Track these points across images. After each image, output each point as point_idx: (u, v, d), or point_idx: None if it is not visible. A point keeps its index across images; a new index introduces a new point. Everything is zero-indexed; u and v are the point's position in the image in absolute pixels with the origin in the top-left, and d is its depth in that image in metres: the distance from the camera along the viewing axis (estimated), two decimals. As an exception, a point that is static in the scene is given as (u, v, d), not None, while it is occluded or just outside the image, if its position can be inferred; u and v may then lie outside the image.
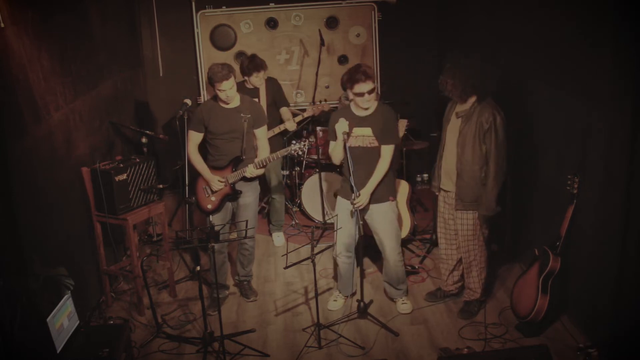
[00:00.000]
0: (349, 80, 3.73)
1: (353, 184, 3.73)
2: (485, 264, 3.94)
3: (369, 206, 3.88)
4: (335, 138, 3.86)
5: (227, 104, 3.99)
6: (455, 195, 3.79)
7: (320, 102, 5.43)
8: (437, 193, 4.02)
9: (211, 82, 3.88)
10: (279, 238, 5.40)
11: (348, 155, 3.71)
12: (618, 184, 3.19)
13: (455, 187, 3.78)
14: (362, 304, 3.98)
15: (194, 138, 4.06)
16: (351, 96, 3.79)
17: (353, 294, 4.24)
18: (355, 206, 3.77)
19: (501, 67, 4.72)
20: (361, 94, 3.71)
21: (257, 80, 4.86)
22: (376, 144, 3.82)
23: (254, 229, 4.17)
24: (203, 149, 4.16)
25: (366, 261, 4.75)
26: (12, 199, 3.18)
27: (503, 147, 3.62)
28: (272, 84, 5.14)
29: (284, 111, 5.21)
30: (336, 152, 3.85)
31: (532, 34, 4.15)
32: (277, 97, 5.14)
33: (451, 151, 3.79)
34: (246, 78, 4.90)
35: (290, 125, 5.18)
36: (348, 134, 3.74)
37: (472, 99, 3.67)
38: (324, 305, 4.22)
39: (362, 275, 4.00)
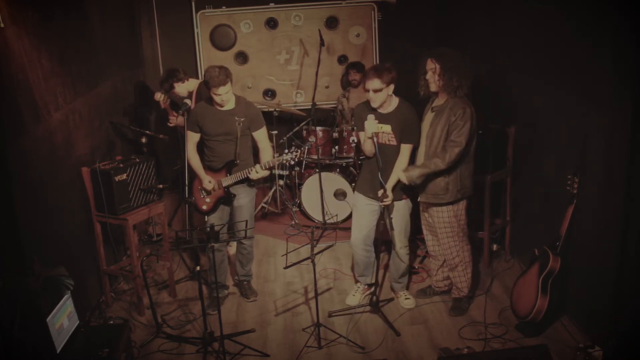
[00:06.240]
0: (365, 73, 3.79)
1: (382, 180, 3.74)
2: (470, 259, 3.96)
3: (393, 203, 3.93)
4: (360, 129, 3.90)
5: (222, 106, 3.98)
6: (422, 187, 3.81)
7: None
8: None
9: (207, 86, 3.87)
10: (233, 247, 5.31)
11: (377, 154, 3.71)
12: (618, 184, 3.19)
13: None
14: (374, 298, 4.00)
15: (192, 138, 4.05)
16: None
17: (371, 285, 4.23)
18: (384, 204, 3.79)
19: (502, 67, 4.73)
20: (367, 90, 3.74)
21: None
22: (394, 142, 3.82)
23: (251, 229, 4.17)
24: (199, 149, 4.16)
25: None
26: (12, 199, 3.18)
27: (465, 138, 3.58)
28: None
29: None
30: (367, 146, 3.87)
31: (532, 34, 4.16)
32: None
33: (422, 147, 3.81)
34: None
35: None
36: (377, 134, 3.74)
37: (447, 95, 3.66)
38: (324, 305, 4.22)
39: (377, 270, 4.02)
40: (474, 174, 3.85)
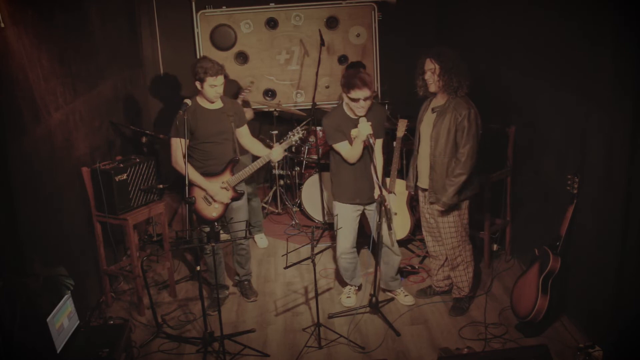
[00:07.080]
0: (346, 84, 3.74)
1: (378, 181, 3.75)
2: (471, 258, 3.97)
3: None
4: (339, 140, 3.86)
5: (213, 102, 3.92)
6: (429, 189, 3.81)
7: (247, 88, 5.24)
8: (412, 192, 4.04)
9: (201, 78, 3.76)
10: (262, 240, 5.37)
11: (374, 156, 3.71)
12: (618, 184, 3.19)
13: (429, 180, 3.79)
14: (374, 299, 4.00)
15: (182, 146, 3.77)
16: (346, 100, 3.80)
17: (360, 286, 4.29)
18: (387, 203, 3.78)
19: (503, 67, 4.73)
20: (356, 100, 3.72)
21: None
22: (373, 141, 3.80)
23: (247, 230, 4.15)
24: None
25: (369, 260, 4.75)
26: (12, 199, 3.18)
27: (473, 139, 3.61)
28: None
29: None
30: (355, 152, 3.83)
31: (532, 34, 4.15)
32: None
33: (426, 148, 3.80)
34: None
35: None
36: (372, 136, 3.73)
37: (447, 95, 3.66)
38: (324, 305, 4.22)
39: (377, 270, 4.01)
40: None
